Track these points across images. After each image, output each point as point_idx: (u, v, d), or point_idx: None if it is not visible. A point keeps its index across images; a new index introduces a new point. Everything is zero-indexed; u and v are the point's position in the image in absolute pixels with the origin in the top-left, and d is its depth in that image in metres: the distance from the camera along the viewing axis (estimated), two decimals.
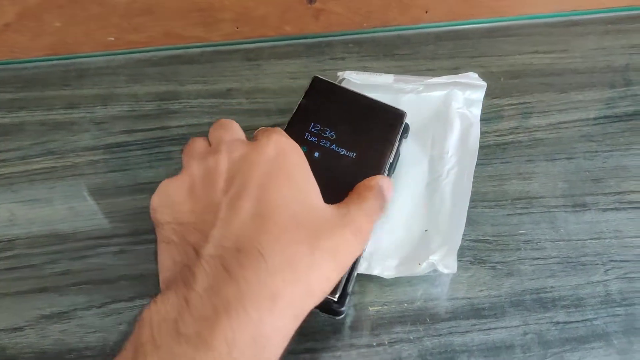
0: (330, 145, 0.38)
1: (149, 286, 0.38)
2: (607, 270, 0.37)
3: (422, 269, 0.36)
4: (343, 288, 0.33)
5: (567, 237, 0.39)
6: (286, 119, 0.47)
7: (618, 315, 0.35)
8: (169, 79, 0.51)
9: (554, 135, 0.45)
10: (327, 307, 0.33)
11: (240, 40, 0.54)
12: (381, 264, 0.37)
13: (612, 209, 0.40)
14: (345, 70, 0.47)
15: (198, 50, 0.54)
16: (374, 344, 0.35)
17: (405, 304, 0.36)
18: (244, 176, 0.29)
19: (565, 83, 0.49)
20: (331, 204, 0.31)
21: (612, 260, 0.37)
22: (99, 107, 0.49)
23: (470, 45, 0.53)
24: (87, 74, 0.52)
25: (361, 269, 0.36)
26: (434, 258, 0.36)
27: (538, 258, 0.38)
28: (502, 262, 0.38)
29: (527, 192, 0.41)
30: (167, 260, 0.27)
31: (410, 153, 0.42)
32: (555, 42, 0.54)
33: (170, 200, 0.29)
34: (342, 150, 0.38)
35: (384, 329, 0.35)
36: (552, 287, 0.36)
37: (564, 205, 0.40)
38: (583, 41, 0.53)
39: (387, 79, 0.46)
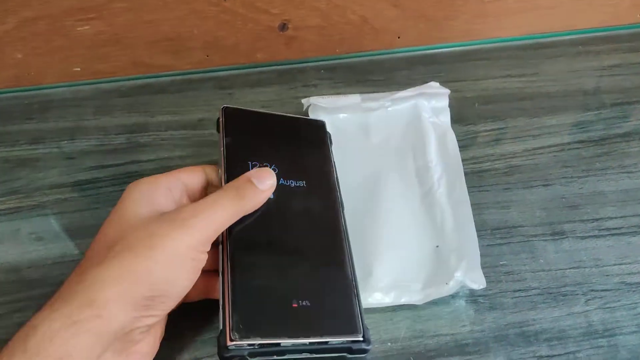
0: (279, 180, 0.36)
1: None
2: (588, 300, 0.37)
3: (450, 287, 0.35)
4: (362, 324, 0.31)
5: (547, 267, 0.38)
6: None
7: (601, 347, 0.35)
8: (139, 110, 0.50)
9: (530, 162, 0.45)
10: (356, 350, 0.31)
11: (211, 69, 0.53)
12: (406, 291, 0.36)
13: (590, 236, 0.40)
14: (310, 97, 0.47)
15: (168, 79, 0.52)
16: None
17: (389, 343, 0.35)
18: None
19: (537, 107, 0.49)
20: (306, 240, 0.34)
21: (592, 290, 0.37)
22: (65, 142, 0.47)
23: (443, 70, 0.53)
24: (51, 106, 0.50)
25: (388, 300, 0.36)
26: (459, 275, 0.35)
27: (519, 290, 0.37)
28: (484, 296, 0.37)
29: (505, 222, 0.41)
30: None
31: (395, 169, 0.43)
32: (526, 65, 0.54)
33: None
34: (292, 182, 0.37)
35: None
36: (534, 319, 0.36)
37: (542, 234, 0.40)
38: (554, 64, 0.54)
39: (355, 99, 0.47)
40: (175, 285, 0.30)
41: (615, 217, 0.41)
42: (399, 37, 0.54)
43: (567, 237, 0.40)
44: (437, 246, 0.38)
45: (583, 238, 0.40)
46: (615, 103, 0.50)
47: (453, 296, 0.37)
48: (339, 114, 0.46)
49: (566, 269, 0.38)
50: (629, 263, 0.39)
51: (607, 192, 0.43)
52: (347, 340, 0.30)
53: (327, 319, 0.31)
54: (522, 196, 0.43)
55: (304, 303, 0.31)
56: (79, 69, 0.51)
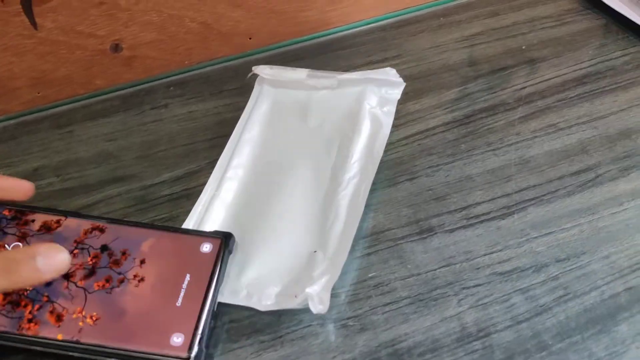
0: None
1: None
2: (460, 300, 0.35)
3: (298, 302, 0.33)
4: (193, 338, 0.31)
5: (416, 271, 0.36)
6: (105, 193, 0.42)
7: (475, 351, 0.33)
8: None
9: (394, 156, 0.43)
10: None
11: (47, 106, 0.48)
12: (260, 292, 0.34)
13: (459, 227, 0.38)
14: (259, 65, 0.45)
15: None
16: None
17: None
18: None
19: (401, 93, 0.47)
20: None
21: (464, 288, 0.36)
22: None
23: (305, 66, 0.50)
24: None
25: (238, 299, 0.34)
26: (310, 290, 0.33)
27: (389, 303, 0.35)
28: (353, 317, 0.35)
29: (372, 227, 0.39)
30: None
31: (315, 157, 0.41)
32: (388, 47, 0.51)
33: None
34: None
35: None
36: (406, 334, 0.34)
37: (409, 235, 0.38)
38: (416, 41, 0.52)
39: (301, 74, 0.45)
40: None
41: (483, 202, 0.40)
42: (250, 38, 0.51)
43: (435, 233, 0.38)
44: (315, 251, 0.36)
45: (452, 231, 0.38)
46: (479, 75, 0.48)
47: (321, 324, 0.35)
48: (283, 88, 0.44)
49: (436, 269, 0.37)
50: (500, 250, 0.37)
51: (473, 175, 0.41)
52: None
53: None
54: (389, 195, 0.40)
55: None
56: None
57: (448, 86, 0.48)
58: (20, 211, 0.36)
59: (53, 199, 0.42)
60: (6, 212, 0.35)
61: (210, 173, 0.41)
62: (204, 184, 0.41)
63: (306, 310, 0.35)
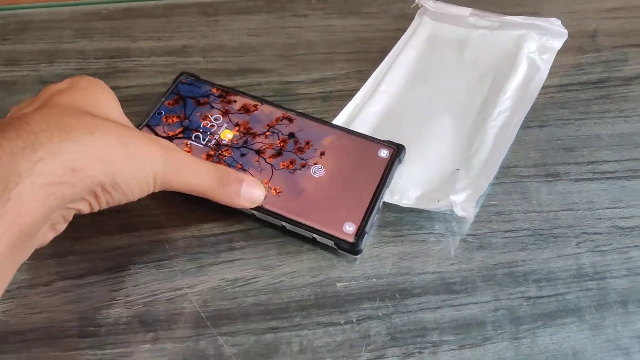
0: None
1: (98, 262, 0.35)
2: (579, 242, 0.36)
3: (440, 205, 0.35)
4: (361, 227, 0.34)
5: (539, 209, 0.38)
6: (247, 80, 0.44)
7: (590, 289, 0.34)
8: (120, 35, 0.47)
9: None
10: (344, 246, 0.34)
11: None
12: (401, 192, 0.37)
13: (584, 179, 0.39)
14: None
15: (151, 3, 0.49)
16: (342, 321, 0.33)
17: (374, 279, 0.34)
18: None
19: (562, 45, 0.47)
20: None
21: (584, 233, 0.37)
22: (43, 65, 0.45)
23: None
24: (29, 27, 0.47)
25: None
26: (454, 198, 0.35)
27: (509, 230, 0.37)
28: (473, 235, 0.36)
29: None
30: None
31: (466, 88, 0.43)
32: (524, 2, 0.52)
33: None
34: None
35: (352, 306, 0.33)
36: (523, 260, 0.35)
37: (536, 175, 0.39)
38: (554, 3, 0.52)
39: (463, 11, 0.47)
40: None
41: (611, 161, 0.40)
42: None
43: (561, 179, 0.39)
44: (458, 169, 0.38)
45: (577, 181, 0.39)
46: (616, 46, 0.48)
47: (442, 234, 0.36)
48: (443, 22, 0.46)
49: (558, 210, 0.38)
50: (623, 207, 0.38)
51: (603, 135, 0.42)
52: None
53: None
54: (517, 136, 0.41)
55: None
56: None
57: (584, 50, 0.48)
58: (225, 92, 0.40)
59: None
60: (214, 90, 0.40)
61: (347, 83, 0.44)
62: (340, 90, 0.43)
63: (428, 218, 0.37)
